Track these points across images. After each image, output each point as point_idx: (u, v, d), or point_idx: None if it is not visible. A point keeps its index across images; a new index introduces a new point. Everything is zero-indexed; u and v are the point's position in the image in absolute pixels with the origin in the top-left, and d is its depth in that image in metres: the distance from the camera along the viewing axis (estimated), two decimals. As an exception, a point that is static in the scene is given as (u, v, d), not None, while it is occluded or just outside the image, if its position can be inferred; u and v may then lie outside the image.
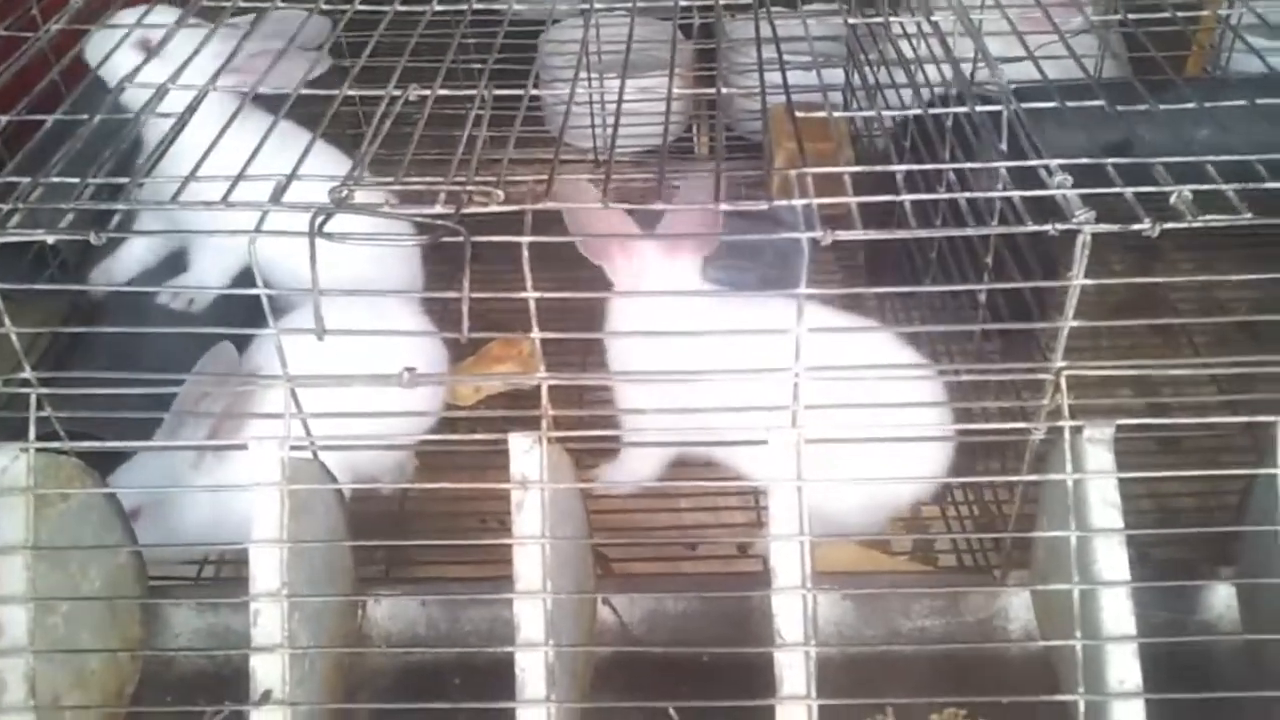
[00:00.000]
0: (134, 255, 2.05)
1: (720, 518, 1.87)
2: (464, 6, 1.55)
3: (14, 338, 1.17)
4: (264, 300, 1.13)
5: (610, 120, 1.31)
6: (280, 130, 1.23)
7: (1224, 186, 1.09)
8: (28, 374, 1.19)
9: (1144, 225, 1.04)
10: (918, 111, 1.41)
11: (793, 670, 1.13)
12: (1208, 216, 1.04)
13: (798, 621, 1.14)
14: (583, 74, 1.42)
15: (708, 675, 1.39)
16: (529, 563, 1.16)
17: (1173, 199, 1.06)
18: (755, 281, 1.83)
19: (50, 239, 1.11)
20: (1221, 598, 1.42)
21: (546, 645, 1.14)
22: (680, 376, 1.56)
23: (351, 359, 1.20)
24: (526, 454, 1.17)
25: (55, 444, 1.24)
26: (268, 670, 1.15)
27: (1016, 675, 1.41)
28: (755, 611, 1.39)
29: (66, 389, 1.27)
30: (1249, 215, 1.05)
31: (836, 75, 2.45)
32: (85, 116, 1.28)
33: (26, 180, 1.14)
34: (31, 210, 1.12)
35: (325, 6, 1.55)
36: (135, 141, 1.26)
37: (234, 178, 1.13)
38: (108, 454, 1.40)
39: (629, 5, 1.60)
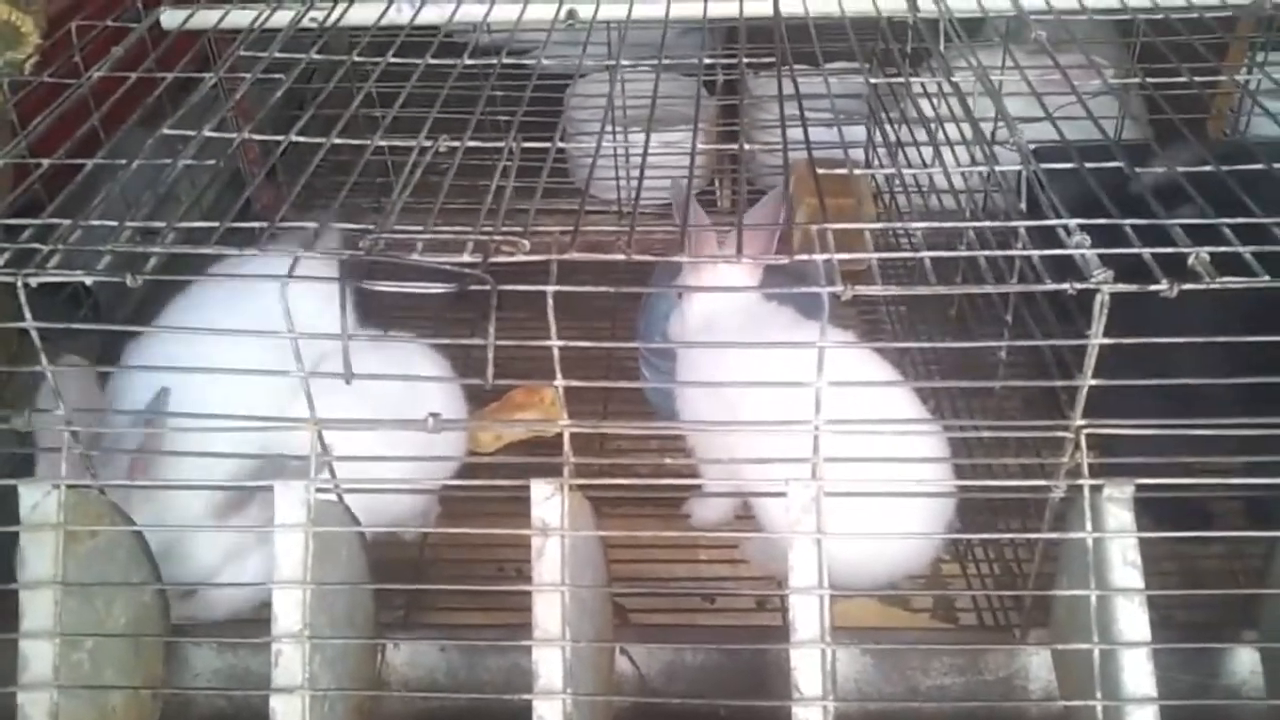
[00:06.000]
0: None
1: (739, 570, 1.87)
2: (494, 61, 1.58)
3: (50, 376, 1.19)
4: (294, 345, 1.15)
5: (635, 173, 1.34)
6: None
7: (1241, 249, 1.09)
8: (61, 411, 1.22)
9: (1162, 285, 1.05)
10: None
11: (810, 725, 1.13)
12: (1225, 278, 1.04)
13: (816, 676, 1.14)
14: (608, 128, 1.44)
15: (725, 728, 1.39)
16: (549, 610, 1.16)
17: (1190, 260, 1.07)
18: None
19: (88, 280, 1.14)
20: (1245, 663, 1.40)
21: (565, 694, 1.14)
22: (708, 426, 1.58)
23: (368, 407, 1.21)
24: (548, 500, 1.18)
25: (85, 482, 1.26)
26: (288, 711, 1.16)
27: (1035, 735, 1.40)
28: (773, 665, 1.38)
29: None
30: (1266, 278, 1.06)
31: (858, 132, 2.48)
32: (124, 161, 1.32)
33: (66, 222, 1.18)
34: (69, 252, 1.15)
35: (358, 59, 1.59)
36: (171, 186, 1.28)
37: (268, 227, 1.16)
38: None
39: (654, 62, 1.63)
